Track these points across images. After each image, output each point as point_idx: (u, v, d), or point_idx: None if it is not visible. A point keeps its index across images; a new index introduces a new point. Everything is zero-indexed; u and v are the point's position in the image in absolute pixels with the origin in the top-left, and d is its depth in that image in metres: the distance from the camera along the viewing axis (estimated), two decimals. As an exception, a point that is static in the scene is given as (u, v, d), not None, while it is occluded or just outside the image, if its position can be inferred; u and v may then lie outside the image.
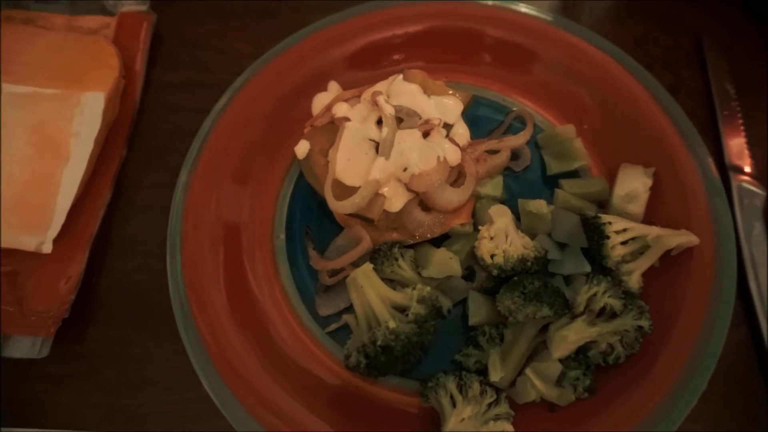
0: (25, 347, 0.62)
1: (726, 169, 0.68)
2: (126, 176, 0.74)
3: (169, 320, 0.58)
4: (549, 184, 0.68)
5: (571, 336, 0.53)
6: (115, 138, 0.74)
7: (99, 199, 0.70)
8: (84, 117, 0.69)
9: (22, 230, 0.65)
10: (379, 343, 0.53)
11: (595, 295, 0.54)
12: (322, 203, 0.64)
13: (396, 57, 0.75)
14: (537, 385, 0.55)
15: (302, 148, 0.66)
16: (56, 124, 0.69)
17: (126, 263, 0.69)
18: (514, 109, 0.72)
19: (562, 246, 0.62)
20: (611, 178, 0.66)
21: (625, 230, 0.58)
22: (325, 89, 0.73)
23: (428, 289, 0.57)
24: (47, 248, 0.64)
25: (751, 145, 0.70)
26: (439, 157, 0.61)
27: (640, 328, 0.54)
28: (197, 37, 0.83)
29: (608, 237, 0.57)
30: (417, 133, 0.62)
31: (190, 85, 0.79)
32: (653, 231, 0.58)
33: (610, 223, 0.58)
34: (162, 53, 0.81)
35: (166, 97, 0.79)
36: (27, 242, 0.64)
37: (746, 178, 0.67)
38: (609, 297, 0.54)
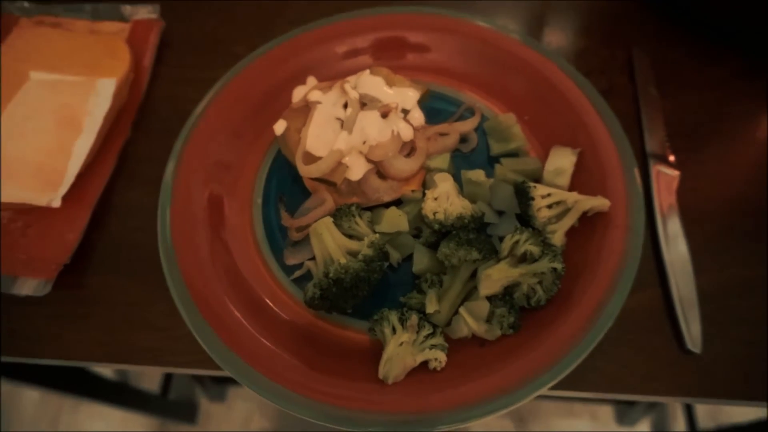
0: (30, 286, 0.72)
1: (646, 156, 0.79)
2: (131, 152, 0.85)
3: (159, 271, 0.68)
4: (492, 164, 0.78)
5: (494, 275, 0.62)
6: (123, 121, 0.85)
7: (105, 168, 0.81)
8: (98, 99, 0.81)
9: (37, 189, 0.75)
10: (331, 275, 0.62)
11: (517, 242, 0.64)
12: (296, 176, 0.75)
13: (365, 58, 0.87)
14: (469, 322, 0.63)
15: (280, 126, 0.77)
16: (75, 105, 0.81)
17: (126, 224, 0.79)
18: (465, 102, 0.84)
19: (500, 214, 0.72)
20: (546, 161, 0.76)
21: (549, 195, 0.68)
22: (304, 83, 0.85)
23: (377, 235, 0.67)
24: (56, 203, 0.74)
25: (671, 137, 0.81)
26: (393, 131, 0.72)
27: (555, 269, 0.63)
28: (200, 41, 0.96)
29: (533, 198, 0.67)
30: (377, 114, 0.73)
31: (191, 80, 0.91)
32: (572, 196, 0.68)
33: (535, 187, 0.68)
34: (169, 54, 0.94)
35: (170, 90, 0.91)
36: (40, 199, 0.75)
37: (663, 164, 0.78)
38: (530, 244, 0.63)
